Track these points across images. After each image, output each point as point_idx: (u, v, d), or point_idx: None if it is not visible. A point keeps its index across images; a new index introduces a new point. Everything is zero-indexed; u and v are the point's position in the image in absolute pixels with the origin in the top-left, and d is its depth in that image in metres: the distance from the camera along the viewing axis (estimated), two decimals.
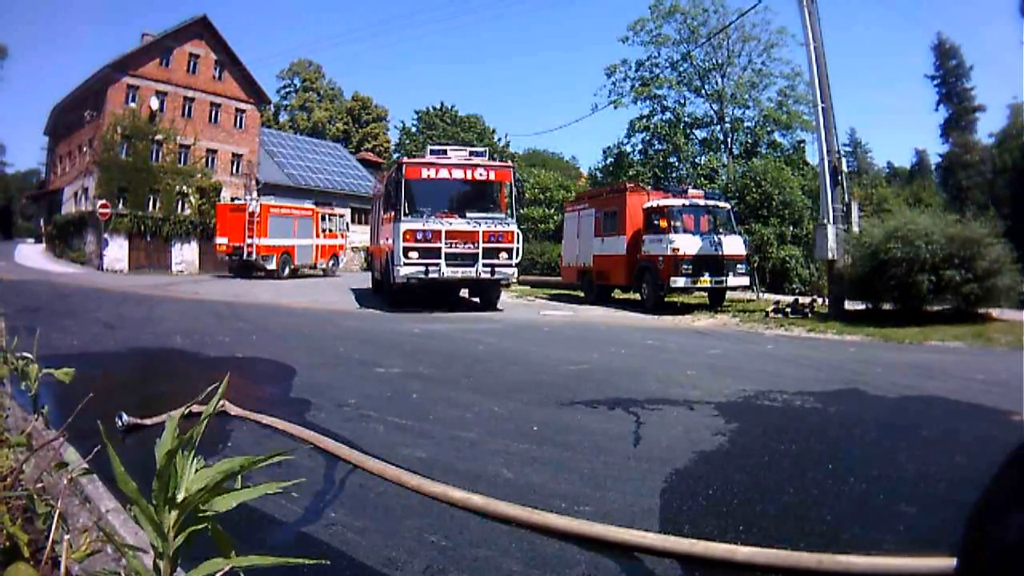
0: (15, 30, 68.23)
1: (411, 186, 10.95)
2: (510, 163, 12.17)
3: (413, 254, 10.51)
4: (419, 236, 10.59)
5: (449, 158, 11.34)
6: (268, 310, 11.31)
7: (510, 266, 10.99)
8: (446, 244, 10.60)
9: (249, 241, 20.46)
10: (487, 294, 11.89)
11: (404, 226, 10.59)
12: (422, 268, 10.55)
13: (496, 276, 10.87)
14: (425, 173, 11.08)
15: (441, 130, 35.81)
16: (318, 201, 27.11)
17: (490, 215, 11.11)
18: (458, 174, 11.22)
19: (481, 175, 11.32)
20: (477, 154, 11.83)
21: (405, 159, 12.66)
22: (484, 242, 10.70)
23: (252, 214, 20.56)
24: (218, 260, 24.59)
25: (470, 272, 10.71)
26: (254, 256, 20.76)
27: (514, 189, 11.38)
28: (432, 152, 11.61)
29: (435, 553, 2.06)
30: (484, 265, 10.73)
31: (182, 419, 0.98)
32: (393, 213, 11.00)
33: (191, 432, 0.95)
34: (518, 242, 11.05)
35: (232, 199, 30.66)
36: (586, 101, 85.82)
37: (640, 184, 17.23)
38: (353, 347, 6.95)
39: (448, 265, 10.59)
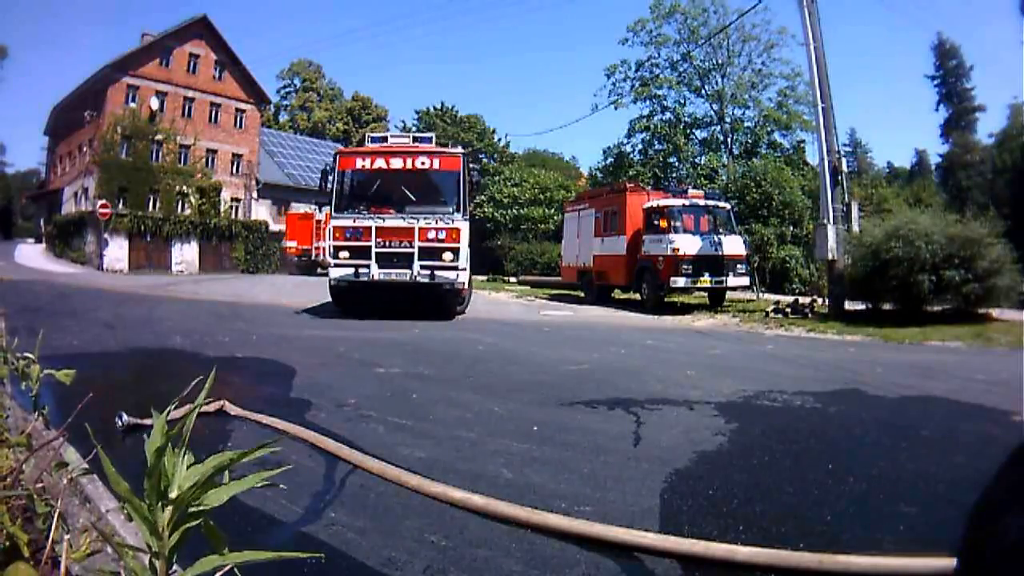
0: (15, 30, 68.30)
1: (345, 178, 10.05)
2: (461, 149, 10.37)
3: (344, 254, 9.45)
4: (348, 234, 9.48)
5: (389, 146, 10.21)
6: (269, 310, 11.32)
7: (454, 269, 9.31)
8: (377, 243, 9.36)
9: (316, 244, 22.50)
10: (442, 301, 9.96)
11: (334, 223, 9.64)
12: (352, 270, 9.42)
13: (436, 280, 9.25)
14: (360, 163, 10.02)
15: (441, 130, 35.75)
16: (317, 201, 27.19)
17: (434, 210, 9.62)
18: (397, 163, 9.87)
19: (424, 164, 9.84)
20: (422, 140, 10.49)
21: (341, 148, 11.73)
22: (421, 241, 9.27)
23: (318, 222, 22.49)
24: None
25: (405, 275, 9.29)
26: (320, 257, 22.12)
27: (465, 179, 9.75)
28: (372, 140, 10.56)
29: (435, 553, 2.06)
30: (422, 267, 9.24)
31: (170, 415, 0.97)
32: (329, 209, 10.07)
33: (178, 427, 0.95)
34: (465, 241, 9.47)
35: (232, 199, 30.69)
36: (586, 101, 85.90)
37: (640, 184, 17.26)
38: (353, 347, 6.95)
39: (380, 267, 9.34)
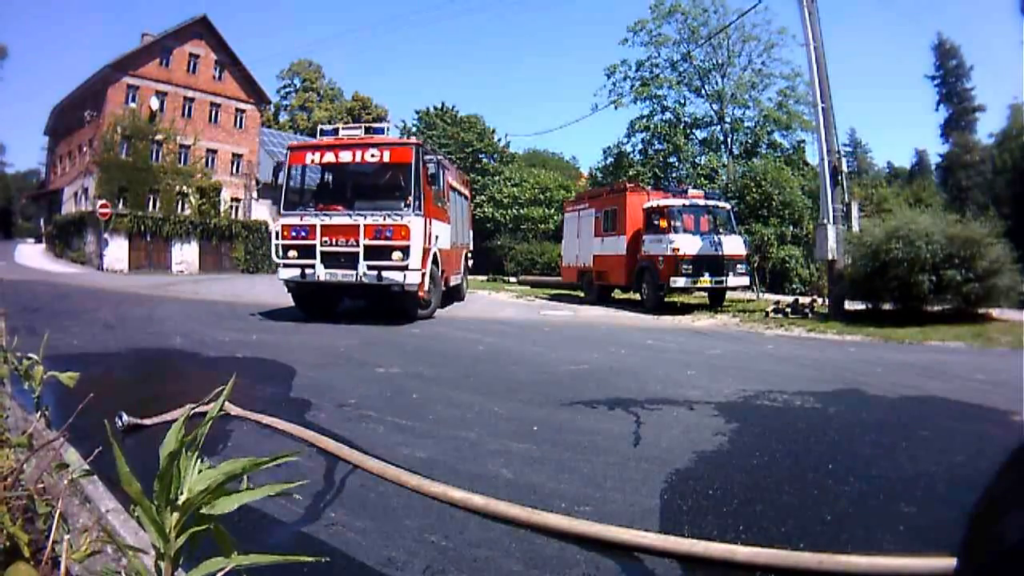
0: (15, 30, 68.30)
1: (296, 173, 9.65)
2: (414, 139, 9.57)
3: (292, 253, 8.97)
4: (295, 233, 9.00)
5: (340, 139, 9.59)
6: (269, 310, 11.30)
7: (403, 269, 8.58)
8: (322, 242, 8.83)
9: None
10: (400, 303, 9.26)
11: (281, 221, 9.19)
12: (299, 270, 8.97)
13: (384, 281, 8.60)
14: (310, 158, 9.55)
15: (441, 130, 35.75)
16: None
17: (384, 206, 8.96)
18: (346, 157, 9.36)
19: (373, 156, 9.22)
20: (375, 131, 9.67)
21: (293, 142, 11.14)
22: (367, 239, 8.63)
23: None
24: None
25: (351, 276, 8.70)
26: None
27: (420, 172, 8.95)
28: (323, 133, 9.91)
29: (435, 553, 2.06)
30: (368, 267, 8.63)
31: (186, 420, 0.98)
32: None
33: (194, 433, 0.96)
34: (419, 238, 8.71)
35: (232, 199, 30.70)
36: (586, 101, 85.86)
37: (640, 184, 17.25)
38: (353, 347, 6.95)
39: (326, 267, 8.82)
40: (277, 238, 9.11)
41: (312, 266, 8.86)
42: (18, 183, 52.79)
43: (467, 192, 14.75)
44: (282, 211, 9.31)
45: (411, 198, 8.85)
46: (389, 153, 9.21)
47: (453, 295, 12.74)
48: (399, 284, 8.65)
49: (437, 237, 9.75)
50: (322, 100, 49.61)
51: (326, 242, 8.82)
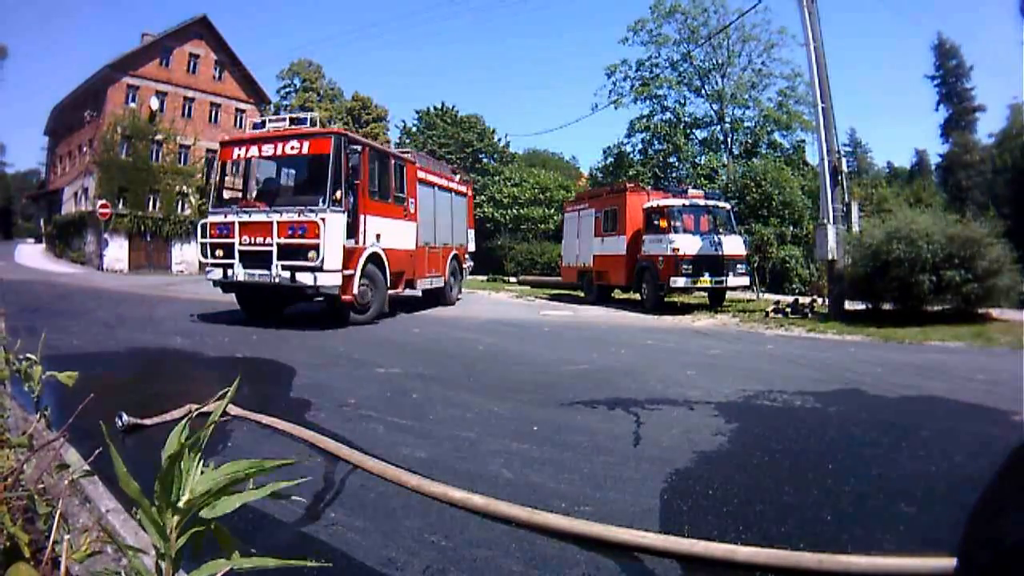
0: (15, 30, 68.29)
1: (226, 169, 9.30)
2: (337, 128, 8.90)
3: (219, 252, 8.57)
4: (219, 231, 8.60)
5: (264, 132, 9.12)
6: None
7: (318, 270, 7.92)
8: (241, 241, 8.36)
9: None
10: (330, 306, 8.75)
11: (208, 219, 8.81)
12: (222, 270, 8.53)
13: (297, 283, 7.97)
14: (237, 152, 9.12)
15: (441, 130, 35.78)
16: None
17: (305, 201, 8.39)
18: (269, 150, 8.90)
19: (293, 149, 8.66)
20: (299, 122, 9.07)
21: (225, 138, 10.58)
22: (281, 237, 8.06)
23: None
24: None
25: (266, 276, 8.15)
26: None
27: (341, 164, 8.31)
28: (254, 126, 9.50)
29: (435, 553, 2.06)
30: (282, 268, 8.03)
31: (188, 421, 0.98)
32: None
33: (197, 435, 0.96)
34: (336, 236, 8.06)
35: None
36: (586, 101, 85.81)
37: (640, 184, 17.25)
38: (353, 347, 6.96)
39: (244, 266, 8.34)
40: (203, 236, 8.78)
41: (232, 266, 8.43)
42: (18, 183, 52.82)
43: (461, 189, 13.49)
44: (211, 208, 8.99)
45: (329, 192, 8.13)
46: (308, 145, 8.60)
47: (438, 298, 12.16)
48: (312, 286, 7.97)
49: (379, 235, 9.11)
50: (322, 100, 49.56)
51: (245, 241, 8.34)
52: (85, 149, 30.24)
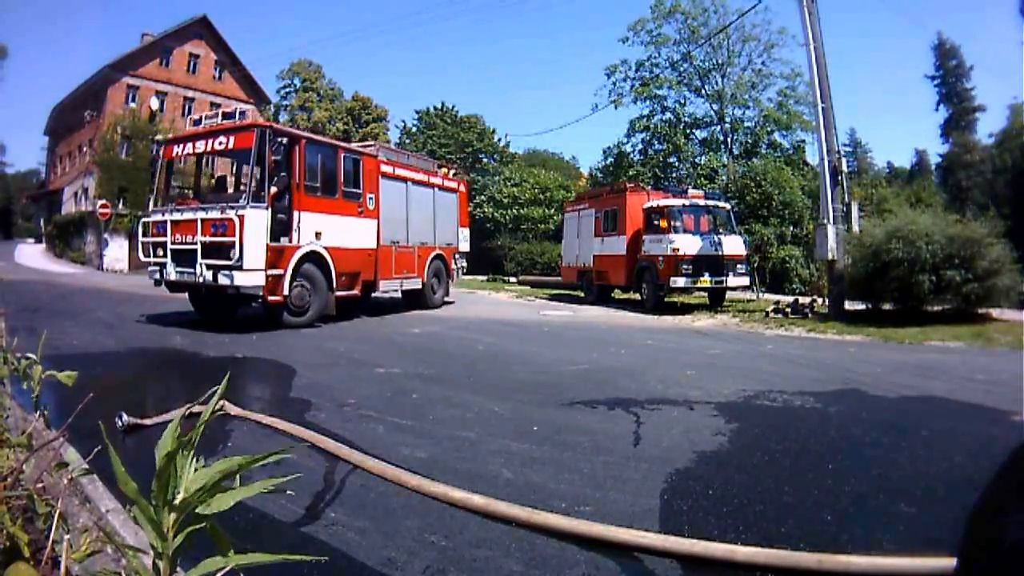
0: (15, 30, 68.28)
1: (167, 168, 9.15)
2: (258, 120, 8.51)
3: (158, 251, 8.42)
4: (156, 229, 8.45)
5: (196, 129, 8.91)
6: None
7: (237, 269, 7.59)
8: (172, 239, 8.17)
9: None
10: (264, 307, 8.36)
11: (150, 218, 8.66)
12: (159, 269, 8.38)
13: (220, 282, 7.66)
14: (176, 150, 8.93)
15: (441, 130, 35.78)
16: None
17: (230, 197, 8.24)
18: (200, 147, 8.66)
19: (221, 144, 8.40)
20: (229, 116, 8.74)
21: (168, 136, 10.33)
22: (204, 235, 7.77)
23: None
24: None
25: (192, 275, 7.92)
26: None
27: (263, 158, 7.95)
28: (193, 123, 9.21)
29: (435, 553, 2.06)
30: (206, 267, 7.78)
31: (183, 420, 0.98)
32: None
33: (191, 434, 0.96)
34: (256, 233, 7.70)
35: None
36: (586, 101, 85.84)
37: (640, 184, 17.24)
38: (353, 347, 6.96)
39: (176, 265, 8.15)
40: (144, 235, 8.67)
41: (165, 264, 8.27)
42: (18, 183, 52.83)
43: (450, 185, 12.61)
44: (151, 207, 8.88)
45: (250, 188, 7.82)
46: (233, 139, 8.28)
47: (418, 300, 11.56)
48: (233, 286, 7.66)
49: (319, 233, 8.69)
50: (322, 100, 49.55)
51: (177, 239, 8.15)
52: (85, 149, 30.25)
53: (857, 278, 9.97)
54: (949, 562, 1.58)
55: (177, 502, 0.88)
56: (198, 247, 7.83)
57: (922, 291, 8.99)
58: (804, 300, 11.97)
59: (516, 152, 38.78)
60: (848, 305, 10.53)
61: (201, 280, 7.84)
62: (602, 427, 3.69)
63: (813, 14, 10.70)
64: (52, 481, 2.08)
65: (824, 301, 11.43)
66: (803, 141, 28.04)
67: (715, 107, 29.21)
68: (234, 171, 9.83)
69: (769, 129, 28.55)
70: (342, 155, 9.32)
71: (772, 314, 11.00)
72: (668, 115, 29.35)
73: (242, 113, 8.72)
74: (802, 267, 19.82)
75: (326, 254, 8.79)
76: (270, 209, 7.90)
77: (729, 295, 13.90)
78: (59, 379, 1.89)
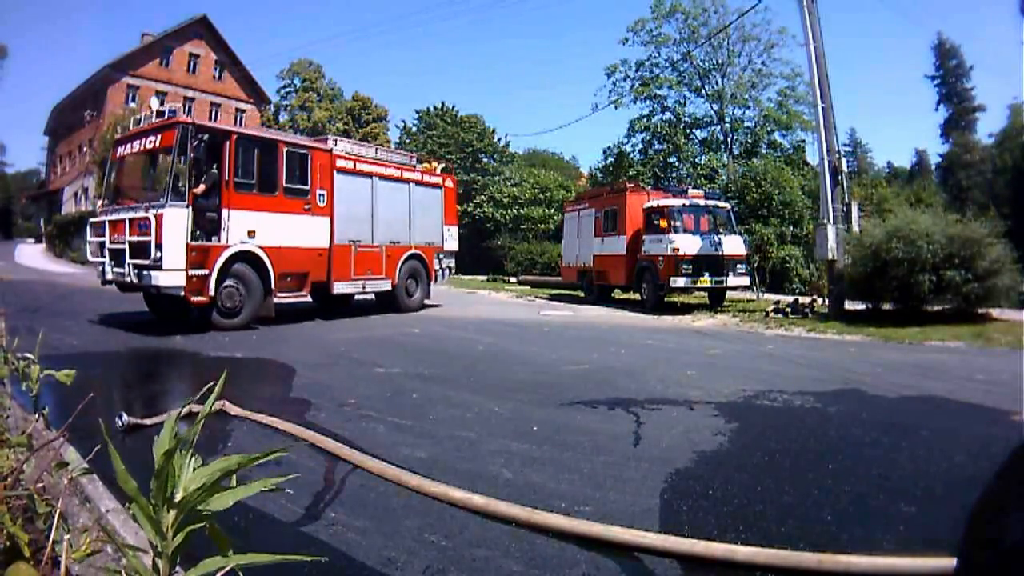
0: (15, 30, 68.30)
1: (112, 168, 9.07)
2: (184, 118, 8.20)
3: (101, 251, 8.40)
4: (99, 230, 8.43)
5: (135, 128, 8.77)
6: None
7: (158, 268, 7.44)
8: (110, 239, 8.11)
9: None
10: (181, 308, 8.19)
11: (94, 218, 8.67)
12: (100, 268, 8.35)
13: (143, 282, 7.63)
14: (119, 151, 8.90)
15: (441, 130, 35.77)
16: None
17: (152, 196, 8.03)
18: (136, 146, 8.52)
19: (150, 143, 8.24)
20: (164, 114, 8.48)
21: (118, 136, 10.17)
22: (131, 235, 7.70)
23: None
24: None
25: (123, 274, 7.85)
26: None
27: (185, 156, 7.78)
28: (135, 123, 9.09)
29: (435, 553, 2.06)
30: (133, 266, 7.71)
31: (180, 419, 0.98)
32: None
33: (189, 432, 0.96)
34: (176, 232, 7.54)
35: None
36: (586, 101, 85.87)
37: (640, 184, 17.24)
38: (353, 346, 6.96)
39: (112, 265, 8.06)
40: (89, 235, 8.69)
41: (104, 264, 8.23)
42: (18, 183, 52.83)
43: (432, 181, 11.79)
44: (99, 208, 8.81)
45: (168, 186, 7.70)
46: (160, 138, 8.12)
47: (392, 302, 10.84)
48: (154, 286, 7.58)
49: (253, 232, 8.39)
50: (322, 100, 49.57)
51: (114, 239, 8.07)
52: (85, 149, 30.26)
53: (857, 278, 9.97)
54: (949, 562, 1.58)
55: (176, 501, 0.88)
56: (126, 247, 7.79)
57: (922, 291, 8.99)
58: (804, 300, 11.96)
59: (516, 152, 38.79)
60: (848, 305, 10.54)
61: (129, 280, 7.81)
62: (602, 427, 3.69)
63: (813, 14, 10.71)
64: (52, 481, 2.08)
65: (824, 301, 11.43)
66: (803, 141, 28.04)
67: (715, 107, 29.20)
68: (157, 170, 9.38)
69: (769, 129, 28.53)
70: (284, 150, 8.95)
71: (772, 314, 11.00)
72: (668, 115, 29.35)
73: (172, 111, 8.40)
74: (802, 267, 19.81)
75: (262, 254, 8.46)
76: (190, 208, 7.71)
77: (729, 295, 13.90)
78: (58, 378, 1.89)
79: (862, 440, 3.49)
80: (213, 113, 32.66)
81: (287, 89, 49.46)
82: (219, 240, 8.04)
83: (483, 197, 30.38)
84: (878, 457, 3.15)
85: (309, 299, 10.17)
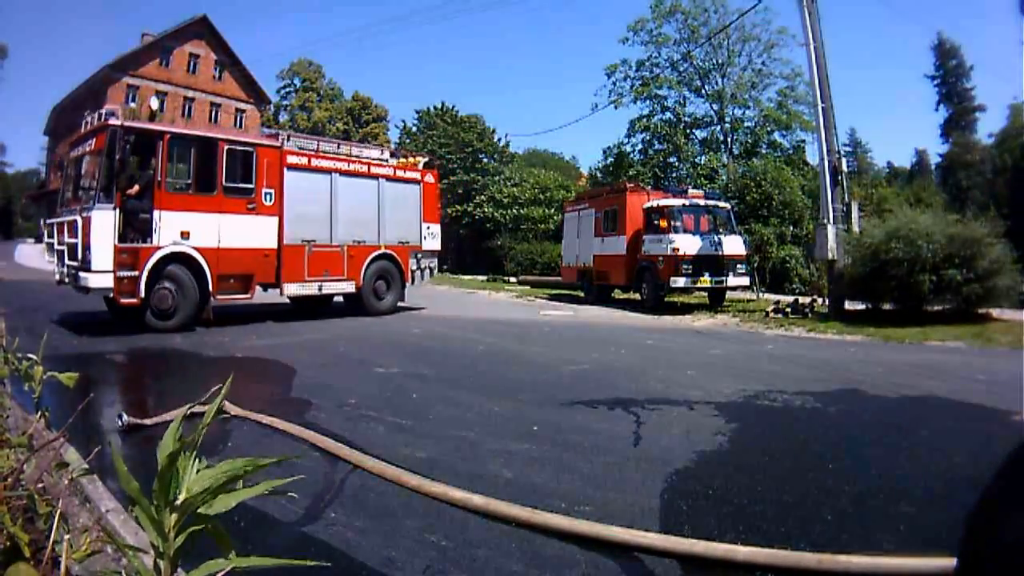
0: (15, 30, 68.27)
1: (63, 171, 9.11)
2: (114, 121, 7.99)
3: (55, 253, 8.48)
4: (49, 232, 8.59)
5: (83, 130, 8.70)
6: (267, 309, 11.30)
7: (87, 270, 7.45)
8: (58, 240, 8.22)
9: None
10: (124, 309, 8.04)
11: (50, 220, 8.73)
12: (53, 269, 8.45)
13: (77, 283, 7.68)
14: (70, 154, 8.96)
15: (441, 130, 35.77)
16: None
17: (86, 199, 8.02)
18: (78, 150, 8.60)
19: (89, 147, 8.26)
20: (105, 115, 8.29)
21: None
22: (69, 236, 7.82)
23: None
24: None
25: (63, 275, 8.02)
26: None
27: (113, 159, 7.67)
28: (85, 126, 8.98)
29: (435, 553, 2.06)
30: (70, 268, 7.84)
31: (184, 420, 0.98)
32: None
33: (194, 436, 0.96)
34: (102, 233, 7.48)
35: None
36: (586, 101, 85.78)
37: (640, 184, 17.24)
38: (353, 346, 6.96)
39: (59, 266, 8.19)
40: (45, 237, 8.86)
41: (54, 265, 8.31)
42: (18, 183, 52.85)
43: (408, 176, 11.10)
44: (57, 210, 8.81)
45: (97, 188, 7.64)
46: (95, 140, 8.11)
47: (362, 304, 10.27)
48: (84, 287, 7.58)
49: (187, 233, 8.18)
50: (322, 100, 49.60)
51: (60, 241, 8.17)
52: None
53: (857, 278, 9.97)
54: (949, 562, 1.58)
55: (179, 503, 0.88)
56: (65, 248, 7.89)
57: (922, 291, 8.99)
58: (804, 300, 11.97)
59: (516, 152, 38.79)
60: (848, 305, 10.54)
61: (66, 281, 7.93)
62: (602, 427, 3.69)
63: (813, 14, 10.71)
64: (52, 481, 2.08)
65: (824, 301, 11.43)
66: (803, 141, 28.02)
67: (715, 107, 29.20)
68: (98, 172, 9.13)
69: (769, 129, 28.53)
70: (224, 149, 8.65)
71: (772, 314, 11.00)
72: (668, 115, 29.34)
73: (110, 113, 8.19)
74: (802, 267, 19.79)
75: (197, 255, 8.25)
76: (117, 209, 7.63)
77: (729, 295, 13.90)
78: (61, 380, 1.89)
79: (862, 440, 3.49)
80: (213, 113, 32.67)
81: (287, 89, 49.50)
82: (150, 241, 7.92)
83: (483, 197, 30.37)
84: (878, 457, 3.15)
85: (287, 301, 10.13)
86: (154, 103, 29.93)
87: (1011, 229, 10.47)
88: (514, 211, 28.92)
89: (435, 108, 37.71)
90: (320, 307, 10.64)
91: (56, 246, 8.20)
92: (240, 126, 33.73)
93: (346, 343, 7.22)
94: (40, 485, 1.85)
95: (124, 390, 4.87)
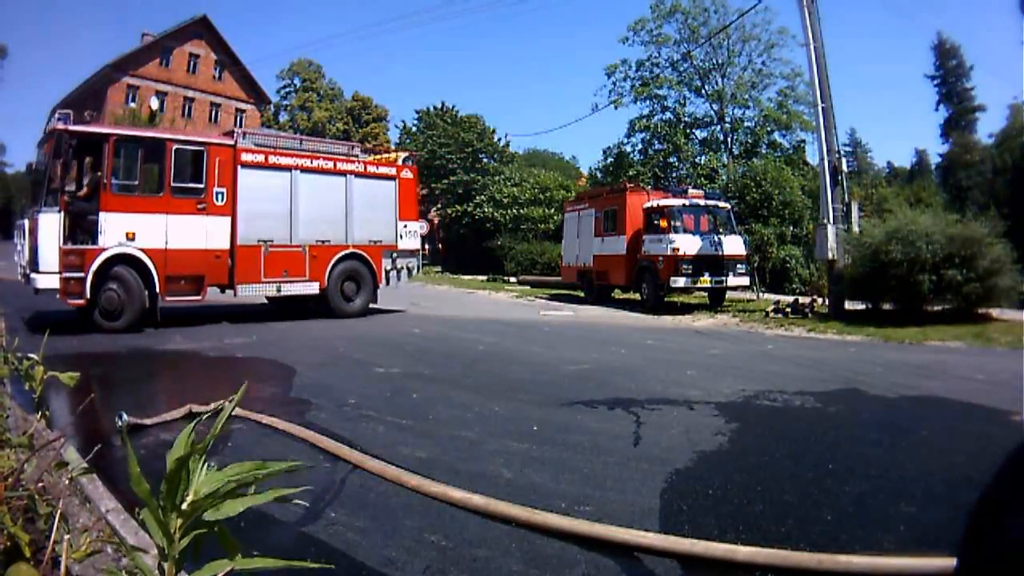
0: (15, 30, 68.18)
1: (32, 174, 9.20)
2: (60, 125, 8.01)
3: (18, 254, 8.57)
4: (17, 234, 8.69)
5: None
6: (267, 309, 11.30)
7: (35, 271, 7.61)
8: (19, 243, 8.38)
9: None
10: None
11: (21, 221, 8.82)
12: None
13: (30, 284, 7.78)
14: (36, 155, 8.97)
15: (441, 130, 35.76)
16: None
17: (44, 202, 7.91)
18: (39, 153, 8.64)
19: (44, 150, 8.30)
20: (56, 119, 8.23)
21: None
22: (30, 239, 7.89)
23: None
24: None
25: (26, 277, 8.01)
26: None
27: (58, 161, 7.80)
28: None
29: (435, 553, 2.06)
30: (21, 267, 8.12)
31: (184, 420, 0.98)
32: None
33: (204, 441, 0.96)
34: (50, 236, 7.59)
35: None
36: (586, 101, 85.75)
37: (640, 184, 17.25)
38: (353, 346, 6.96)
39: (23, 267, 8.23)
40: (15, 239, 9.00)
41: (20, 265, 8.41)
42: (18, 183, 52.75)
43: (381, 172, 10.71)
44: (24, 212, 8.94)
45: (44, 191, 7.72)
46: (46, 145, 8.22)
47: (329, 306, 9.94)
48: (33, 288, 7.70)
49: (132, 234, 8.10)
50: (322, 100, 49.57)
51: (21, 243, 8.29)
52: None
53: (857, 278, 9.97)
54: (949, 562, 1.58)
55: (185, 506, 0.88)
56: (26, 250, 8.02)
57: (922, 291, 8.99)
58: (804, 300, 11.96)
59: (516, 152, 38.76)
60: (848, 305, 10.54)
61: (24, 281, 8.07)
62: (602, 427, 3.69)
63: (813, 14, 10.71)
64: (52, 481, 2.09)
65: (824, 301, 11.43)
66: (803, 141, 28.02)
67: (715, 107, 29.19)
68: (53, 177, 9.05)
69: (769, 129, 28.53)
70: (172, 148, 8.52)
71: (772, 314, 11.00)
72: (668, 115, 29.33)
73: (64, 115, 8.20)
74: (802, 267, 19.80)
75: (143, 256, 8.17)
76: (62, 212, 7.72)
77: (729, 295, 13.90)
78: (62, 380, 1.89)
79: (862, 440, 3.49)
80: (213, 113, 32.68)
81: (287, 89, 49.45)
82: (96, 243, 7.93)
83: (483, 197, 30.35)
84: (878, 457, 3.15)
85: (266, 301, 10.08)
86: (154, 103, 29.96)
87: (1011, 229, 10.45)
88: (514, 211, 28.90)
89: (435, 108, 37.70)
90: (301, 307, 10.28)
91: (17, 247, 8.53)
92: (240, 126, 33.66)
93: (346, 343, 7.22)
94: (40, 485, 1.85)
95: (124, 390, 4.86)
